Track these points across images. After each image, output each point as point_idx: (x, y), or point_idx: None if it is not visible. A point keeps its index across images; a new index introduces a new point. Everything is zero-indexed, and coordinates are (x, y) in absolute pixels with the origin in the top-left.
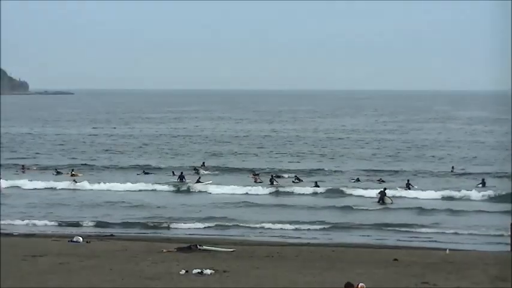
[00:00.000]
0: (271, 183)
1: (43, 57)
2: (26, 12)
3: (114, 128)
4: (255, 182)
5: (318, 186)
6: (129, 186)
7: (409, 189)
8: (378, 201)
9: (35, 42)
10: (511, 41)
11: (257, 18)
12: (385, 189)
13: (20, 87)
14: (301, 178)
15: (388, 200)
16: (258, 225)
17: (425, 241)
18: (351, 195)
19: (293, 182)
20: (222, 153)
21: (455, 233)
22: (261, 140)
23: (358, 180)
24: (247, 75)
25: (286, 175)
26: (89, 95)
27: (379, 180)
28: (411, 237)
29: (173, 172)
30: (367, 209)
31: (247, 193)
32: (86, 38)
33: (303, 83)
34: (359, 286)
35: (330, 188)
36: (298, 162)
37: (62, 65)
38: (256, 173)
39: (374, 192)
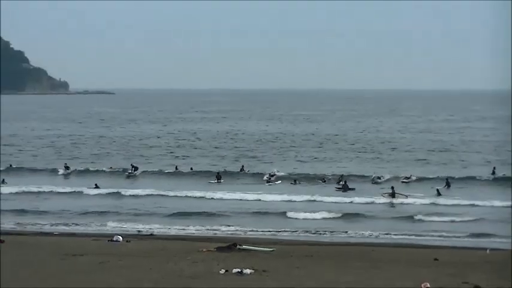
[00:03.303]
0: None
1: (83, 57)
2: (66, 11)
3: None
4: (268, 182)
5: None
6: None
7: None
8: (389, 196)
9: (75, 41)
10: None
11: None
12: (393, 187)
13: (60, 86)
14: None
15: (400, 196)
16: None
17: (465, 241)
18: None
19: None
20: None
21: (495, 234)
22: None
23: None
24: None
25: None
26: (133, 95)
27: (406, 178)
28: (451, 237)
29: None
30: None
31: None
32: (128, 38)
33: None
34: (422, 286)
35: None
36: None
37: (103, 65)
38: (272, 174)
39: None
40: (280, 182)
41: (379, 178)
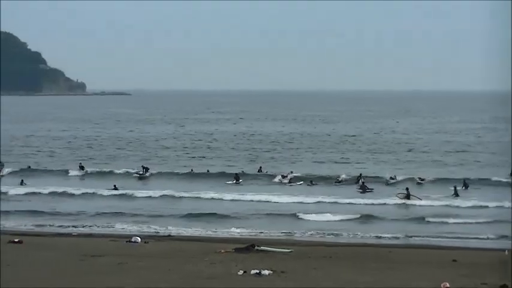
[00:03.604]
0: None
1: (100, 58)
2: (82, 12)
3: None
4: (290, 183)
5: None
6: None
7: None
8: (403, 198)
9: (93, 42)
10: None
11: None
12: (407, 188)
13: (77, 87)
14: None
15: (414, 198)
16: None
17: (483, 242)
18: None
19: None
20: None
21: None
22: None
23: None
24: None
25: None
26: (150, 96)
27: (421, 179)
28: (469, 238)
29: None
30: (422, 207)
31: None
32: (143, 39)
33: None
34: (442, 286)
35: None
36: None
37: (120, 65)
38: (285, 175)
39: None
40: (302, 182)
41: (392, 178)
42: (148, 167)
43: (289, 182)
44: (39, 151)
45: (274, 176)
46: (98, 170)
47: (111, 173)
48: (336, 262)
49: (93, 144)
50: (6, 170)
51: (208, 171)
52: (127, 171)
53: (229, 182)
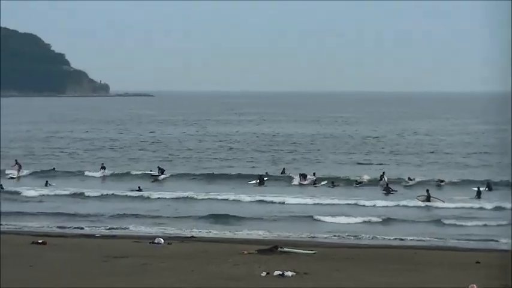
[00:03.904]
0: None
1: (124, 59)
2: (107, 13)
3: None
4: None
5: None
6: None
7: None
8: (423, 201)
9: (116, 43)
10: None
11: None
12: (428, 190)
13: (101, 89)
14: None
15: (436, 201)
16: None
17: (507, 244)
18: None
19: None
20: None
21: None
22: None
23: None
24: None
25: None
26: (172, 97)
27: (441, 181)
28: (492, 240)
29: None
30: (446, 209)
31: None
32: (167, 39)
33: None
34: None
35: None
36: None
37: (142, 67)
38: (304, 174)
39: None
40: (325, 182)
41: (411, 179)
42: (165, 168)
43: (314, 184)
44: (61, 152)
45: (296, 178)
46: (119, 171)
47: (131, 174)
48: (359, 264)
49: (115, 146)
50: (25, 171)
51: (230, 172)
52: (145, 173)
53: (252, 182)
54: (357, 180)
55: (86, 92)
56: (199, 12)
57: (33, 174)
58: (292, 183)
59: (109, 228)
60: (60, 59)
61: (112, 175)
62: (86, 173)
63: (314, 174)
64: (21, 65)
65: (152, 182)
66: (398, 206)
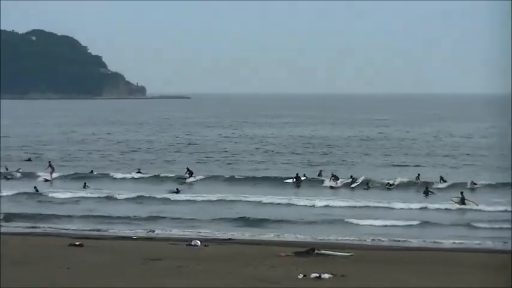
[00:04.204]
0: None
1: (160, 61)
2: (143, 15)
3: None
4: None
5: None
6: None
7: None
8: (458, 203)
9: (152, 45)
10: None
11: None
12: (462, 192)
13: (137, 91)
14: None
15: (470, 203)
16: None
17: None
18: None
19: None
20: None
21: None
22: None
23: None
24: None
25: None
26: (209, 99)
27: (473, 183)
28: None
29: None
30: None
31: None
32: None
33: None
34: None
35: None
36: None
37: (179, 69)
38: (334, 175)
39: None
40: (356, 184)
41: (444, 181)
42: (199, 170)
43: (351, 186)
44: (99, 155)
45: (327, 180)
46: (155, 173)
47: (165, 177)
48: (397, 266)
49: (151, 148)
50: (57, 174)
51: (265, 175)
52: (178, 176)
53: (289, 181)
54: (388, 183)
55: (122, 95)
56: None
57: (68, 176)
58: (323, 184)
59: (145, 231)
60: (97, 61)
61: (148, 177)
62: (121, 175)
63: (351, 177)
64: (58, 67)
65: (180, 184)
66: (432, 208)
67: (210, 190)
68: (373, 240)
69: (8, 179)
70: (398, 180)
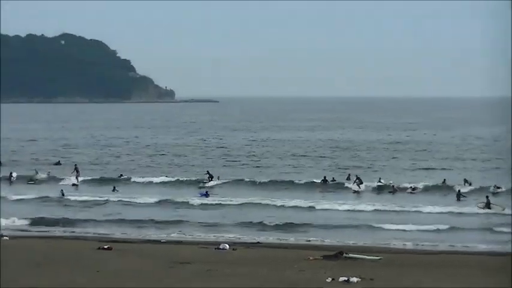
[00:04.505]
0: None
1: (188, 65)
2: (172, 18)
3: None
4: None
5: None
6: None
7: None
8: (457, 199)
9: (180, 49)
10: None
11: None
12: (487, 196)
13: (166, 95)
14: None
15: (496, 207)
16: None
17: None
18: None
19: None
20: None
21: None
22: None
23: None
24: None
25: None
26: (237, 103)
27: (496, 187)
28: None
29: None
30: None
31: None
32: (229, 44)
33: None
34: None
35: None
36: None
37: (207, 72)
38: (358, 177)
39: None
40: (375, 185)
41: (469, 184)
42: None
43: (391, 192)
44: (129, 159)
45: (351, 184)
46: (183, 178)
47: (190, 180)
48: (424, 269)
49: (179, 152)
50: (82, 178)
51: (293, 179)
52: (198, 179)
53: (318, 182)
54: (411, 187)
55: (151, 98)
56: (259, 15)
57: (96, 180)
58: (350, 188)
59: (173, 234)
60: (126, 65)
61: (175, 181)
62: (149, 179)
63: (380, 180)
64: (87, 71)
65: (199, 188)
66: (459, 212)
67: (237, 194)
68: (400, 244)
69: (31, 182)
70: (421, 185)
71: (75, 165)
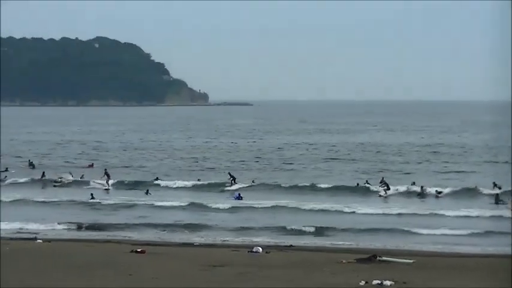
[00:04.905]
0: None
1: (222, 68)
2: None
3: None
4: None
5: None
6: None
7: None
8: (496, 203)
9: (216, 51)
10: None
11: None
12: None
13: (200, 98)
14: None
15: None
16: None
17: None
18: None
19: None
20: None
21: None
22: None
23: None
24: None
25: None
26: (271, 106)
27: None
28: None
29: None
30: None
31: None
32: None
33: None
34: None
35: None
36: None
37: (240, 76)
38: (383, 182)
39: None
40: (403, 189)
41: (499, 187)
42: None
43: (419, 195)
44: (162, 162)
45: (378, 188)
46: (216, 181)
47: (223, 184)
48: (458, 273)
49: (211, 156)
50: (110, 181)
51: (324, 183)
52: (221, 182)
53: (349, 185)
54: (437, 191)
55: (185, 101)
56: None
57: (128, 183)
58: (375, 189)
59: (209, 237)
60: (160, 68)
61: (207, 184)
62: (182, 183)
63: (414, 183)
64: (121, 74)
65: (221, 192)
66: (491, 216)
67: (267, 197)
68: (433, 247)
69: (56, 185)
70: (449, 188)
71: (105, 169)
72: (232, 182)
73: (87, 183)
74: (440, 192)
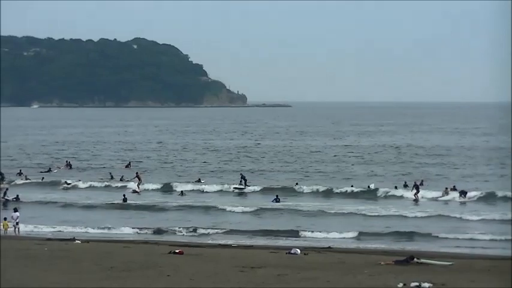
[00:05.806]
0: None
1: (261, 70)
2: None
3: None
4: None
5: None
6: None
7: None
8: None
9: (253, 53)
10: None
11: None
12: None
13: (238, 99)
14: None
15: None
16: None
17: None
18: None
19: None
20: None
21: None
22: None
23: None
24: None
25: None
26: (310, 108)
27: None
28: None
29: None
30: None
31: None
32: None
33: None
34: None
35: None
36: None
37: (280, 77)
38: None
39: None
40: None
41: None
42: (247, 177)
43: (461, 195)
44: (197, 164)
45: (415, 191)
46: (260, 185)
47: (270, 188)
48: (498, 276)
49: (251, 156)
50: (142, 186)
51: (369, 186)
52: (234, 185)
53: (382, 188)
54: (463, 190)
55: (223, 103)
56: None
57: (162, 185)
58: (411, 193)
59: (243, 239)
60: (198, 69)
61: (243, 186)
62: (217, 187)
63: (454, 187)
64: (160, 76)
65: (237, 195)
66: None
67: (302, 200)
68: (471, 250)
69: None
70: (473, 194)
71: (137, 172)
72: (243, 184)
73: (123, 186)
74: (465, 193)
